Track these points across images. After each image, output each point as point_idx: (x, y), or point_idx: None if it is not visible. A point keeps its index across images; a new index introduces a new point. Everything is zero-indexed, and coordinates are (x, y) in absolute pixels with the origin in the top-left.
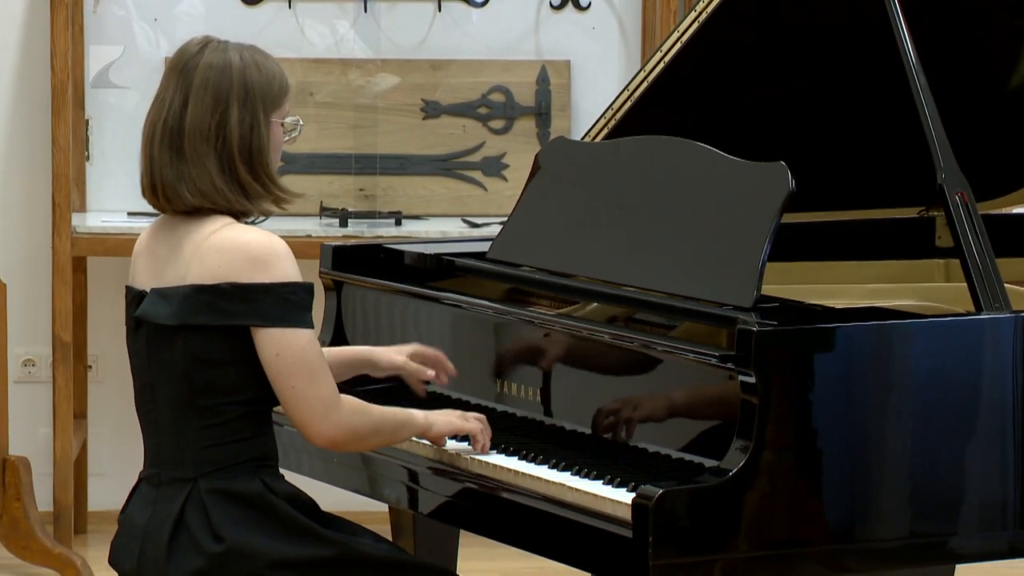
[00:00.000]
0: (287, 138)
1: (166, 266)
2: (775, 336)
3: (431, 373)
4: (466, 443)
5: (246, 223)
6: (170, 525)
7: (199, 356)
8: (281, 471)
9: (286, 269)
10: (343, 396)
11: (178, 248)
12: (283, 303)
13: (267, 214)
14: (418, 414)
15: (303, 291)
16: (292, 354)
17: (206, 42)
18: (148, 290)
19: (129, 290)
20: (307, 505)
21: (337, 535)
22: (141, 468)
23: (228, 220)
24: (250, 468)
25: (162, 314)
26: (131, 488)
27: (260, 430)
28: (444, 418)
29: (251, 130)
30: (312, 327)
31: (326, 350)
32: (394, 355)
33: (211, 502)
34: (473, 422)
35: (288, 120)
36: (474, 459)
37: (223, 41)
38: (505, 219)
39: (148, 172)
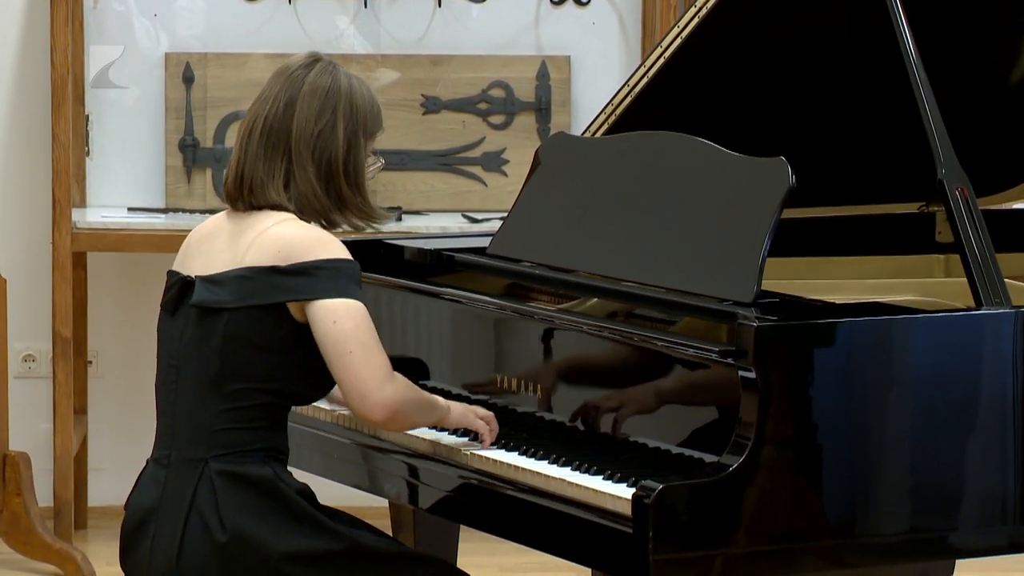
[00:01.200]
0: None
1: (220, 254)
2: (775, 331)
3: None
4: (466, 437)
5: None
6: (184, 511)
7: (240, 337)
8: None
9: (339, 250)
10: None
11: (237, 238)
12: (336, 275)
13: (359, 230)
14: (439, 398)
15: (355, 267)
16: (349, 320)
17: (315, 59)
18: (194, 277)
19: (172, 274)
20: (313, 498)
21: (343, 528)
22: (142, 461)
23: (290, 216)
24: (262, 456)
25: (219, 299)
26: (136, 477)
27: (276, 423)
28: (460, 409)
29: (350, 146)
30: (363, 301)
31: None
32: None
33: (221, 485)
34: (482, 422)
35: (371, 157)
36: (474, 454)
37: (332, 61)
38: (505, 215)
39: (239, 165)
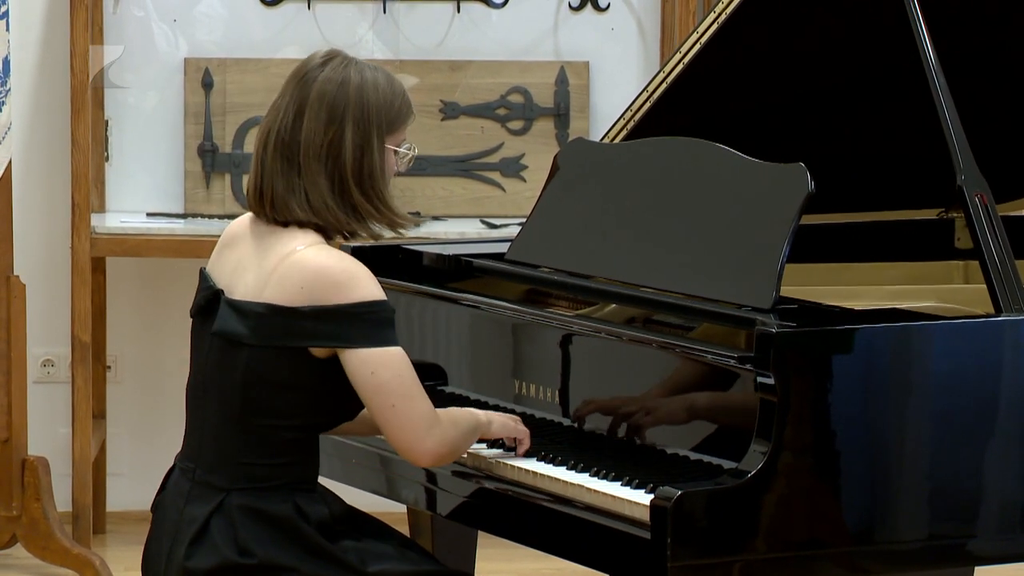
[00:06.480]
0: (398, 167)
1: (247, 272)
2: (794, 338)
3: None
4: (496, 448)
5: (341, 243)
6: (194, 529)
7: (260, 375)
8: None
9: (369, 289)
10: (438, 410)
11: (262, 259)
12: (370, 323)
13: (378, 237)
14: (479, 413)
15: (388, 309)
16: (388, 371)
17: (331, 56)
18: (223, 291)
19: (205, 277)
20: (337, 530)
21: (360, 565)
22: (161, 466)
23: (316, 238)
24: (286, 491)
25: (239, 331)
26: (159, 479)
27: (305, 455)
28: (500, 419)
29: (362, 153)
30: (399, 344)
31: None
32: None
33: (239, 518)
34: (523, 427)
35: (401, 148)
36: (492, 460)
37: (348, 57)
38: (524, 220)
39: (257, 178)
